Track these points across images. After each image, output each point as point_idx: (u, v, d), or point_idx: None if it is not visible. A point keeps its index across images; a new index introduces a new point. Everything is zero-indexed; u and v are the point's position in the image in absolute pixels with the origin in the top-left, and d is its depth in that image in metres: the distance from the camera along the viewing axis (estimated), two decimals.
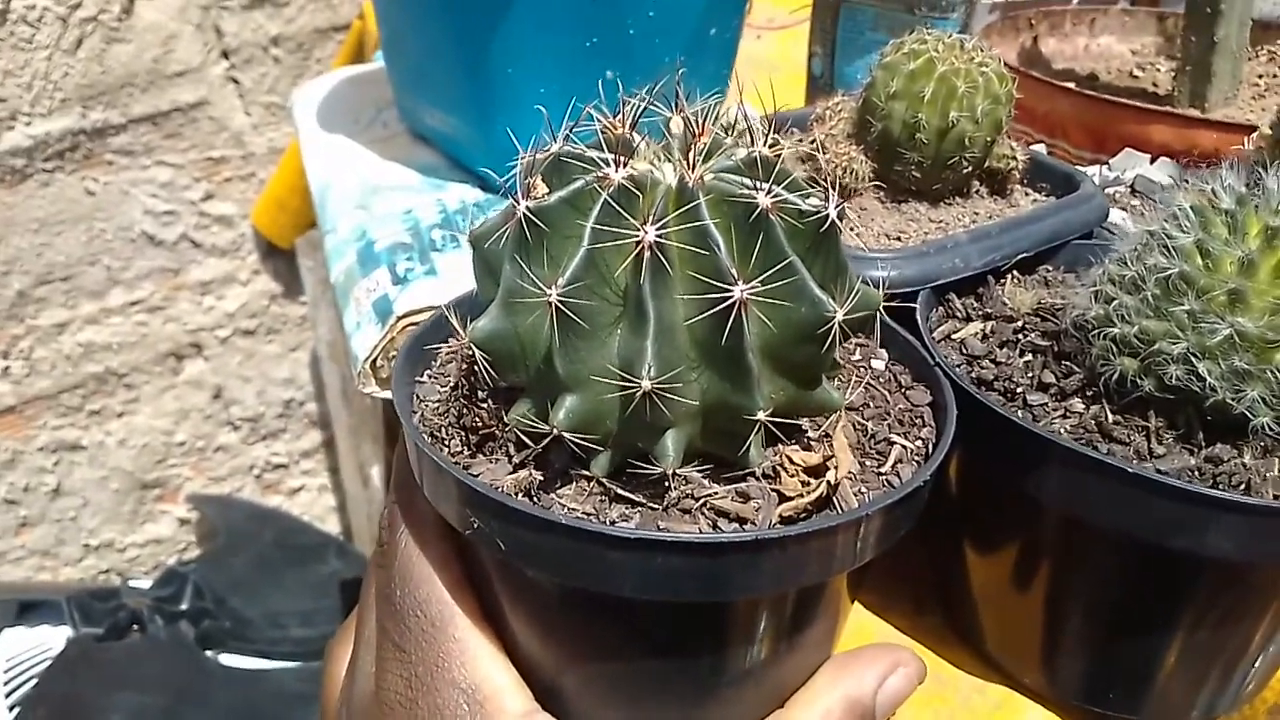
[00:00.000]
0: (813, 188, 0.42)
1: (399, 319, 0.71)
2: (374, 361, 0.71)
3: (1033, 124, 0.87)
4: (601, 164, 0.40)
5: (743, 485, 0.42)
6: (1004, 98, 0.60)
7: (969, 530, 0.56)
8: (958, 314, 0.58)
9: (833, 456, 0.43)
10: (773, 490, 0.42)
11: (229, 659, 1.57)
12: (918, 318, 0.54)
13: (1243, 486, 0.45)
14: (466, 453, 0.45)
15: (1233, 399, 0.46)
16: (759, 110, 0.45)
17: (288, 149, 1.73)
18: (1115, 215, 0.66)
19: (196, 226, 1.82)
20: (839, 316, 0.40)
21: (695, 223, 0.39)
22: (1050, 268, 0.62)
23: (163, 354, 1.88)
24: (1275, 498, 0.45)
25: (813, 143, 0.62)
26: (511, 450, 0.44)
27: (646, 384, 0.39)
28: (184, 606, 1.62)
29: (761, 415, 0.40)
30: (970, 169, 0.62)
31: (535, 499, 0.42)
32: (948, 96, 0.58)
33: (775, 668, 0.46)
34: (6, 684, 1.47)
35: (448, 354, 0.52)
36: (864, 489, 0.44)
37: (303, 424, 2.07)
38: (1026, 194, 0.67)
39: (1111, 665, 0.52)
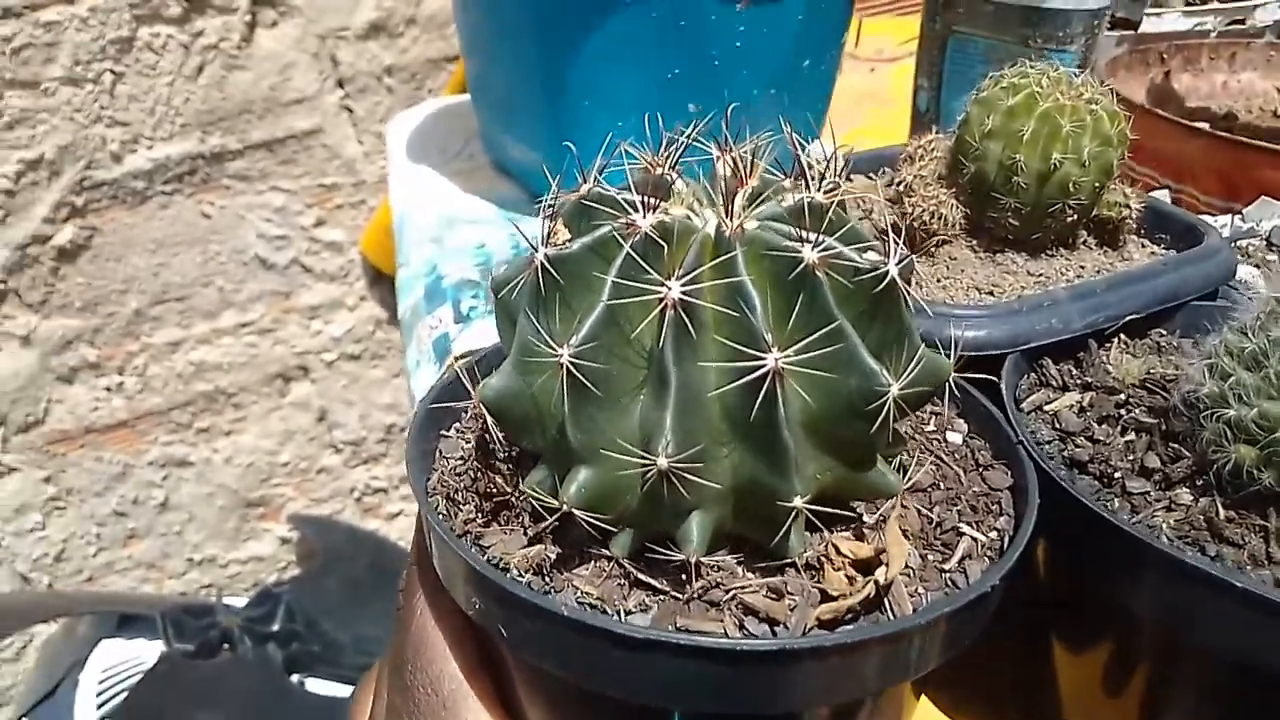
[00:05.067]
0: (879, 238, 0.37)
1: (457, 359, 0.68)
2: None
3: (1158, 167, 0.79)
4: (630, 208, 0.36)
5: (778, 579, 0.37)
6: (1116, 139, 0.53)
7: (1057, 625, 0.49)
8: (1053, 381, 0.51)
9: (885, 550, 0.37)
10: (815, 586, 0.37)
11: (314, 683, 1.57)
12: (1003, 386, 0.48)
13: None
14: (480, 520, 0.41)
15: None
16: (850, 149, 0.40)
17: None
18: (1244, 271, 0.59)
19: (307, 251, 1.85)
20: (893, 391, 0.34)
21: (730, 278, 0.34)
22: (1164, 331, 0.54)
23: (270, 375, 1.91)
24: None
25: (899, 184, 0.57)
26: (528, 520, 0.40)
27: (662, 462, 0.34)
28: (275, 628, 1.63)
29: (798, 501, 0.35)
30: (1075, 217, 0.55)
31: (548, 578, 0.38)
32: (1050, 136, 0.52)
33: None
34: (100, 695, 1.50)
35: (475, 407, 0.48)
36: (922, 588, 0.38)
37: (403, 449, 2.07)
38: (1142, 245, 0.59)
39: None
